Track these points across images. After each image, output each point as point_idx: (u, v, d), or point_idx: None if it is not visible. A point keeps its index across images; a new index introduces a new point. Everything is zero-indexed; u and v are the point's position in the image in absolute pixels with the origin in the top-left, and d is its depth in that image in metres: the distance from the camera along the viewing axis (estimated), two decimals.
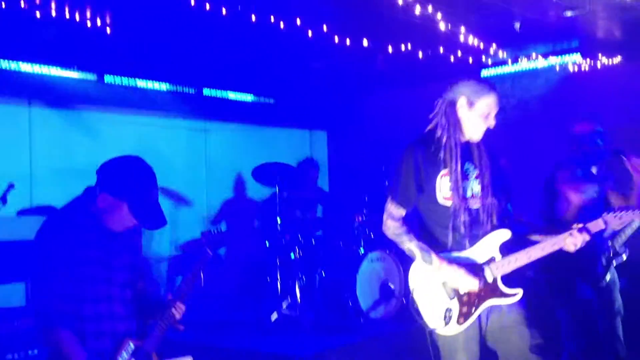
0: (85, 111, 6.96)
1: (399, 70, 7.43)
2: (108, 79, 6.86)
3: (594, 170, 3.99)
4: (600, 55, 6.92)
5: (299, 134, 9.22)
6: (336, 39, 6.29)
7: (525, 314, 3.01)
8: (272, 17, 5.68)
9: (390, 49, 6.67)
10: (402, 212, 3.06)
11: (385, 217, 3.10)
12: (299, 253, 6.09)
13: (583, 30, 6.49)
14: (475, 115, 3.01)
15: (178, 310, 2.99)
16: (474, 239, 3.00)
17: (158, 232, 6.65)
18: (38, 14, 5.38)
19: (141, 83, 7.16)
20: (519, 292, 2.98)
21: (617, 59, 6.92)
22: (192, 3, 5.20)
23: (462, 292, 2.97)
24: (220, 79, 7.81)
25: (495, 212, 3.03)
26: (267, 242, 6.56)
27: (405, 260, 5.94)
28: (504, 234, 3.00)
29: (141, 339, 2.87)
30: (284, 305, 5.90)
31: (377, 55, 6.95)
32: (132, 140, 7.00)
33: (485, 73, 7.42)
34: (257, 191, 7.84)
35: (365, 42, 6.44)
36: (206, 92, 7.83)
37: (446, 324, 2.96)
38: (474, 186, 3.02)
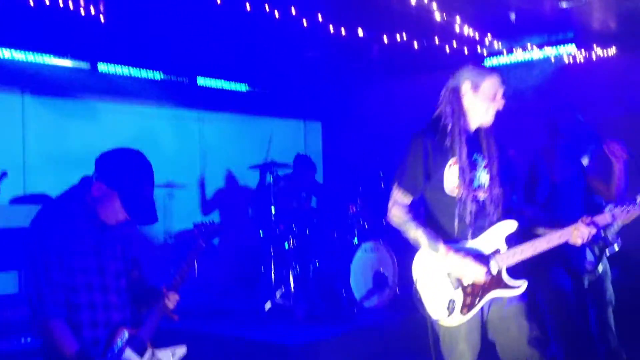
0: (78, 100, 6.93)
1: (394, 60, 7.41)
2: (102, 67, 6.82)
3: (575, 157, 3.98)
4: (595, 46, 6.92)
5: (293, 124, 9.21)
6: (331, 28, 6.27)
7: (526, 306, 3.00)
8: (266, 6, 5.66)
9: (385, 39, 6.65)
10: (408, 199, 3.01)
11: (390, 204, 3.04)
12: (293, 243, 6.09)
13: (578, 22, 6.49)
14: (481, 98, 2.99)
15: (172, 300, 3.00)
16: (479, 230, 2.98)
17: None
18: (31, 2, 5.34)
19: (135, 72, 7.12)
20: (523, 284, 2.97)
21: (612, 51, 6.92)
22: None
23: (466, 283, 2.95)
24: (215, 69, 7.78)
25: (502, 203, 3.02)
26: (261, 231, 6.56)
27: (398, 251, 6.01)
28: (511, 225, 2.98)
29: (136, 328, 2.88)
30: (278, 294, 5.92)
31: (373, 45, 6.93)
32: (125, 129, 6.98)
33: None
34: (250, 180, 7.84)
35: (360, 32, 6.42)
36: (200, 81, 7.79)
37: (449, 314, 2.95)
38: (482, 176, 3.00)
